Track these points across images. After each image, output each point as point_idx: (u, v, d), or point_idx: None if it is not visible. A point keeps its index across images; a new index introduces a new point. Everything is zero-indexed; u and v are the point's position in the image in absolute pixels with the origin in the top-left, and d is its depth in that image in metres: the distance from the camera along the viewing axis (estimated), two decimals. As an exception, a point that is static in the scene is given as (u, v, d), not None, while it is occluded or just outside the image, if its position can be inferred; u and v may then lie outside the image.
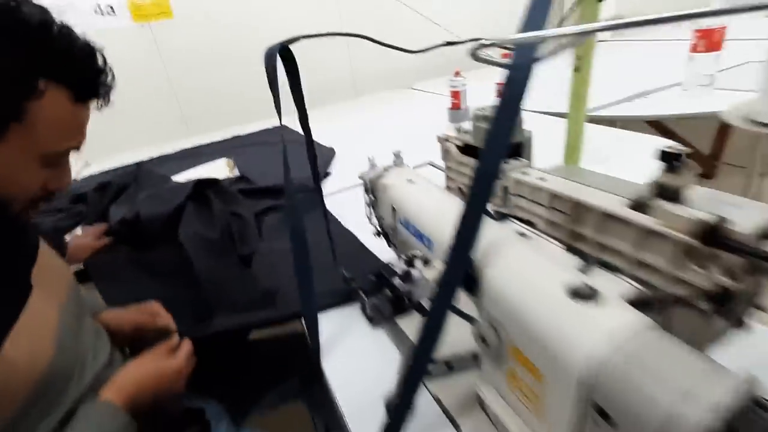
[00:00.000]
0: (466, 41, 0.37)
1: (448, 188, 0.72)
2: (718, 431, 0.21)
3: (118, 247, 0.89)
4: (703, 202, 0.35)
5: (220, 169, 1.24)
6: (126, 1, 1.86)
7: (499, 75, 0.32)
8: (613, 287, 0.32)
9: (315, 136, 0.57)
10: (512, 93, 0.30)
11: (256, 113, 1.98)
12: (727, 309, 0.31)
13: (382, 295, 0.63)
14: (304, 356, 0.82)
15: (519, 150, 0.56)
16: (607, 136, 1.12)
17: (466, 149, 0.64)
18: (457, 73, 1.39)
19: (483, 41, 0.29)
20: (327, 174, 1.17)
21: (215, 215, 0.91)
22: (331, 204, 0.93)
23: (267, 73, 0.45)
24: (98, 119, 0.49)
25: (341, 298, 0.65)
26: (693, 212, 0.33)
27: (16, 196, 0.43)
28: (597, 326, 0.28)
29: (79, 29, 0.45)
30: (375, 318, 0.60)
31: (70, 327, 0.47)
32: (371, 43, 0.48)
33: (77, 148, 0.46)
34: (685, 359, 0.25)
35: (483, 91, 1.35)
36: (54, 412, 0.42)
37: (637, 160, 0.68)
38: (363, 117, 1.83)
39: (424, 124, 1.49)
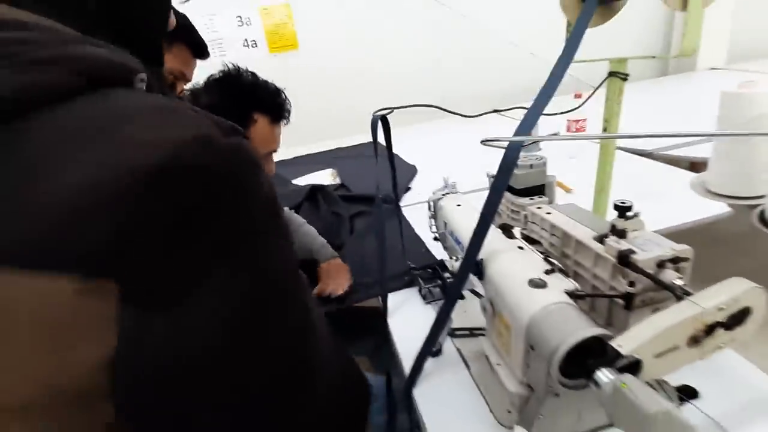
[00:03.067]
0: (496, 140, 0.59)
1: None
2: (571, 351, 0.43)
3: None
4: (639, 239, 0.55)
5: (325, 176, 1.58)
6: (264, 35, 2.34)
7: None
8: (560, 283, 0.53)
9: (400, 154, 0.84)
10: (505, 164, 0.53)
11: (357, 127, 2.36)
12: (631, 304, 0.51)
13: (435, 282, 0.88)
14: (375, 325, 1.10)
15: (542, 190, 0.76)
16: (658, 171, 1.23)
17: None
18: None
19: (486, 140, 0.52)
20: (408, 189, 1.44)
21: (321, 212, 1.24)
22: (409, 213, 1.20)
23: (371, 132, 0.73)
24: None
25: (406, 282, 0.91)
26: (621, 244, 0.53)
27: None
28: (538, 300, 0.50)
29: (232, 57, 0.79)
30: (427, 297, 0.85)
31: None
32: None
33: (275, 150, 0.78)
34: (574, 317, 0.46)
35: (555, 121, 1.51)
36: None
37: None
38: (446, 138, 2.07)
39: (500, 150, 1.68)
